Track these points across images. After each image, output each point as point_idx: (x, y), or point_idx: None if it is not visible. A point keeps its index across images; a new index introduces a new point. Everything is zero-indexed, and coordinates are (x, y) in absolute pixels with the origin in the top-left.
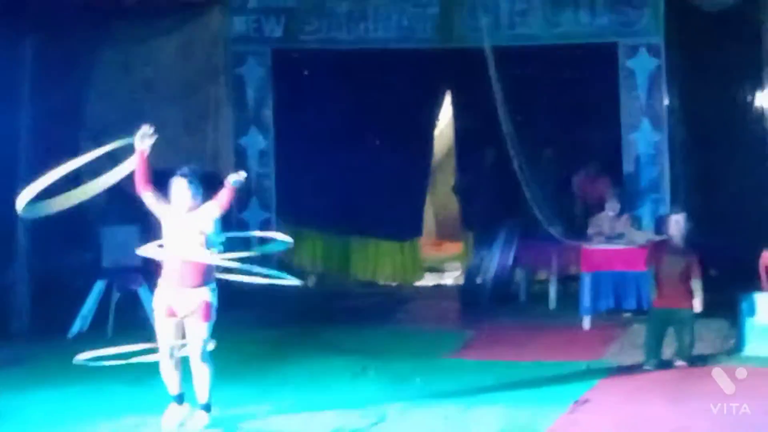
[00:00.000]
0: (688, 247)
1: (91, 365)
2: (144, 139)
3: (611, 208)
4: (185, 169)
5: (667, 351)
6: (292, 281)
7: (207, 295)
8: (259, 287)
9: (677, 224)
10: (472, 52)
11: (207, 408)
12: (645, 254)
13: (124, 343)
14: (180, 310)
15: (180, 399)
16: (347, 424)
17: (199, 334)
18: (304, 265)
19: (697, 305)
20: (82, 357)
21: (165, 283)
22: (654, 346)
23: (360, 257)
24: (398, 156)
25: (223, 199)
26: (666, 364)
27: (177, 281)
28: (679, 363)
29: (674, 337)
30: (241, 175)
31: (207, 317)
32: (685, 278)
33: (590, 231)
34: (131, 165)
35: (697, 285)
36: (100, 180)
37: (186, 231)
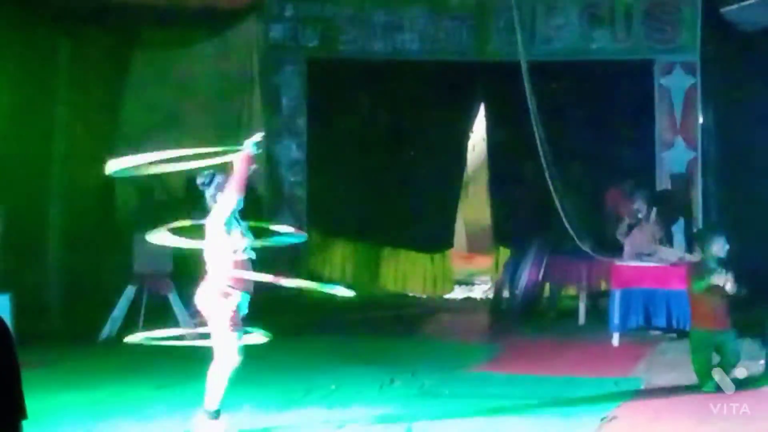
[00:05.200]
0: (724, 267)
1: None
2: (259, 146)
3: (638, 207)
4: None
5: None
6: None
7: None
8: (286, 296)
9: (717, 245)
10: (506, 66)
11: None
12: (676, 272)
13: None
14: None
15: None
16: None
17: None
18: (334, 275)
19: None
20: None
21: (239, 289)
22: (705, 369)
23: (390, 268)
24: (431, 167)
25: (237, 177)
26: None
27: (248, 287)
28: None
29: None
30: (259, 137)
31: None
32: (724, 299)
33: (620, 233)
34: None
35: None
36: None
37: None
